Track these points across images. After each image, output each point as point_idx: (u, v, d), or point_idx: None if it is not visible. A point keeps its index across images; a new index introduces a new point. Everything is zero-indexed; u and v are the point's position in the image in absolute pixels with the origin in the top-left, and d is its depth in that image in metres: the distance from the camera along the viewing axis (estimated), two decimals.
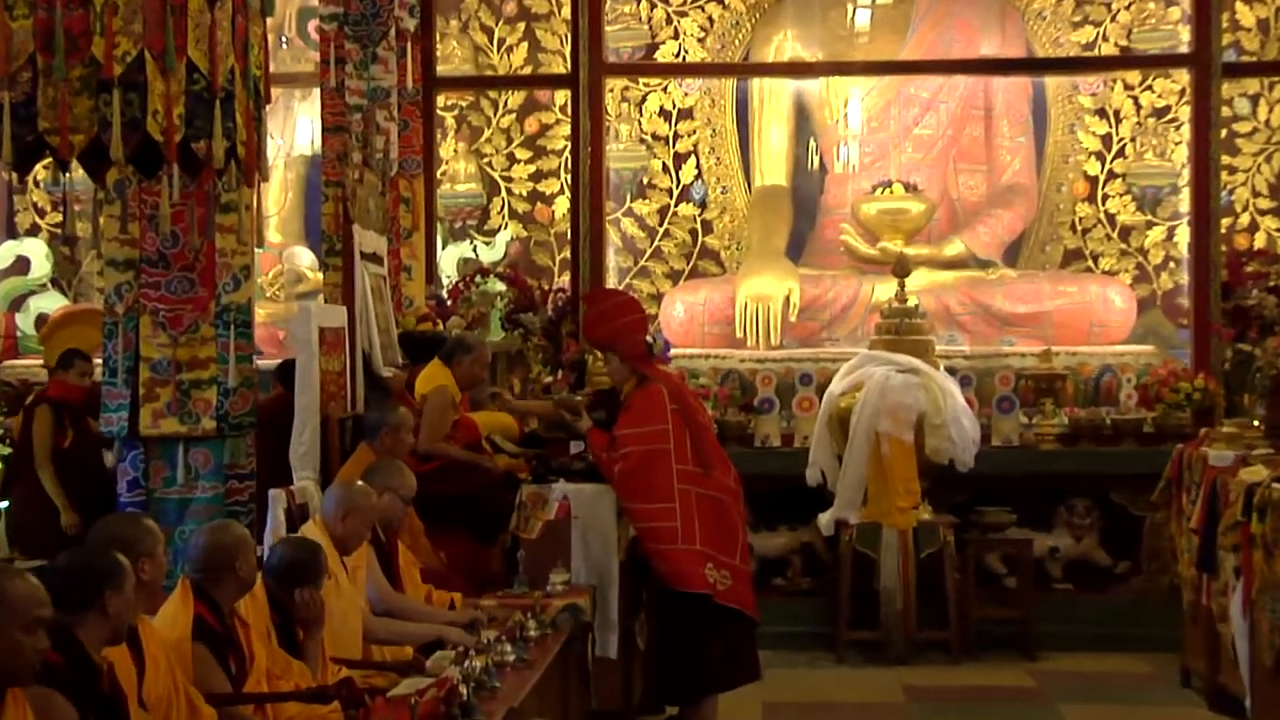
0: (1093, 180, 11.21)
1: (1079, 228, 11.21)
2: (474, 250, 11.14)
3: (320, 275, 9.23)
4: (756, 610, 7.38)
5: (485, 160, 11.35)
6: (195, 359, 6.57)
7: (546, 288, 10.61)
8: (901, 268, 10.02)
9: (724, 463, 7.42)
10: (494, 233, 11.26)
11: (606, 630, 7.22)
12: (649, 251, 11.35)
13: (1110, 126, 11.18)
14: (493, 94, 11.35)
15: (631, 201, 11.36)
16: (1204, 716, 7.97)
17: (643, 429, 7.36)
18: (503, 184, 11.32)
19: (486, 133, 11.34)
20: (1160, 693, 8.53)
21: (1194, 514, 8.10)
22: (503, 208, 11.31)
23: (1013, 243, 11.36)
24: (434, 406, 7.54)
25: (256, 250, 7.73)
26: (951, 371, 9.91)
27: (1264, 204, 10.79)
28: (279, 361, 8.50)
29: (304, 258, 11.55)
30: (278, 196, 11.76)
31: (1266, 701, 7.10)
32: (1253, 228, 10.76)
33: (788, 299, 10.85)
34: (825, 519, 9.45)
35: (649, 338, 7.63)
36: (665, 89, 11.40)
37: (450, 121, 11.34)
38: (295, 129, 11.72)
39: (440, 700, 4.58)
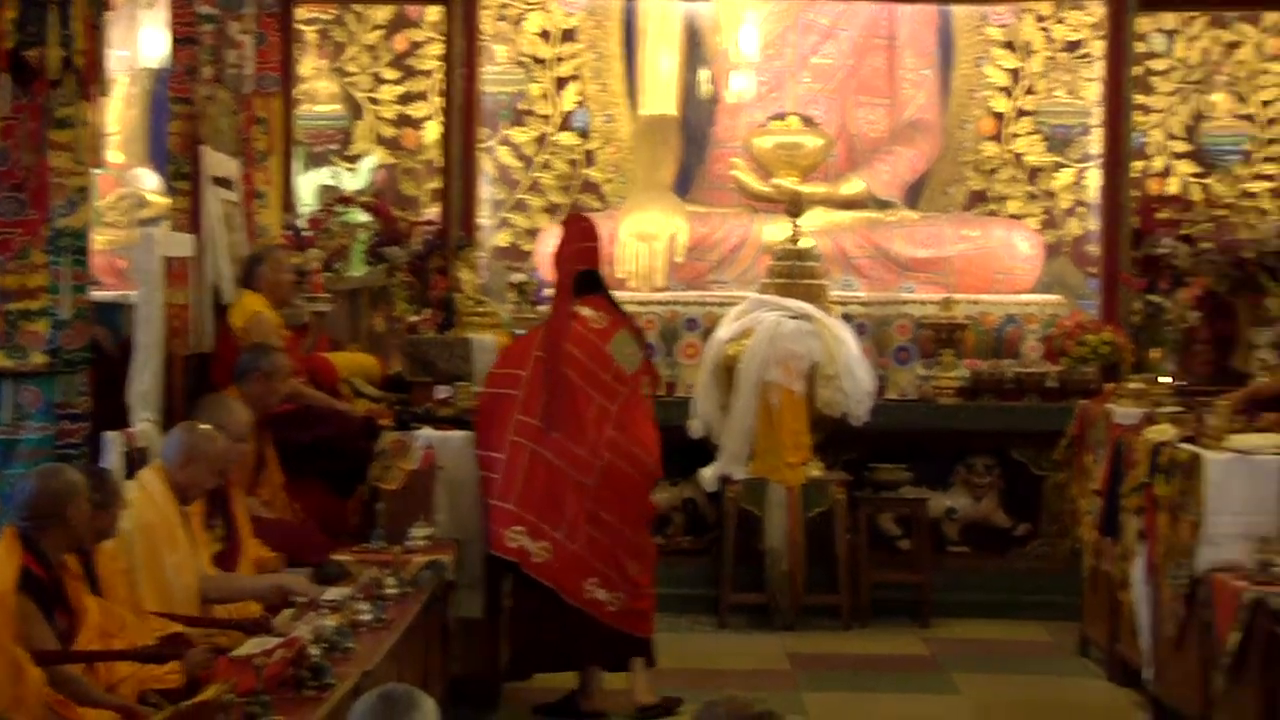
0: (1000, 118, 11.30)
1: (984, 168, 11.31)
2: (335, 177, 11.03)
3: (165, 200, 9.11)
4: (578, 596, 7.19)
5: (349, 80, 11.22)
6: (24, 288, 6.44)
7: (414, 219, 10.53)
8: (796, 207, 10.06)
9: (579, 430, 7.21)
10: (357, 159, 11.15)
11: (471, 589, 7.23)
12: (526, 183, 11.30)
13: (1020, 60, 11.28)
14: (358, 8, 11.21)
15: (508, 129, 11.30)
16: (1101, 687, 8.13)
17: (501, 370, 7.41)
18: (368, 106, 11.21)
19: (351, 50, 11.21)
20: (1057, 662, 8.69)
21: (1097, 474, 8.24)
22: (368, 132, 11.20)
23: (914, 182, 11.44)
24: (257, 339, 7.43)
25: (95, 171, 7.58)
26: (847, 319, 9.99)
27: (1179, 147, 10.93)
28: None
29: (148, 180, 11.39)
30: (120, 113, 11.56)
31: (1167, 672, 7.25)
32: (1166, 172, 10.90)
33: (674, 237, 10.86)
34: (709, 474, 9.49)
35: (587, 271, 7.49)
36: (546, 8, 11.33)
37: (311, 36, 11.19)
38: (140, 39, 11.52)
39: (289, 661, 4.57)
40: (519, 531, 7.13)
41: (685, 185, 11.40)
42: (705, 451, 9.55)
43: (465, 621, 7.20)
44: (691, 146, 11.48)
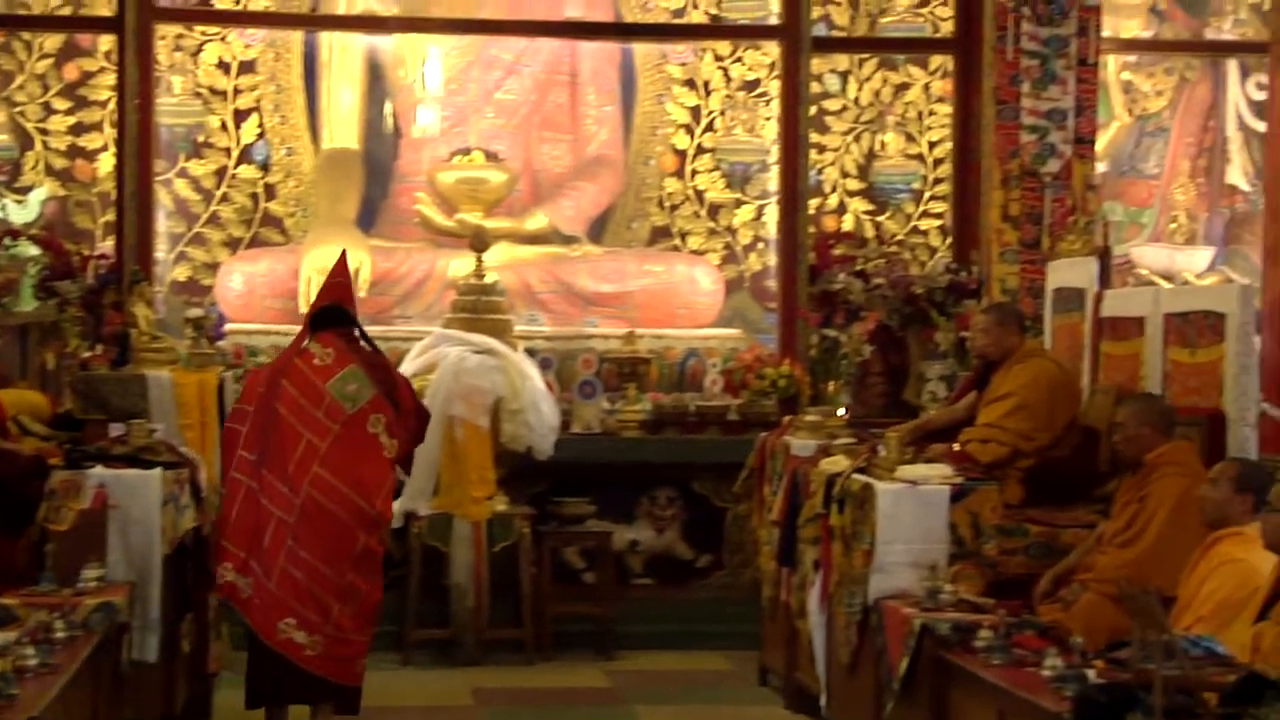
0: (681, 154, 11.50)
1: (667, 204, 11.48)
2: (3, 209, 10.74)
3: None
4: (272, 636, 6.95)
5: (17, 109, 10.92)
6: None
7: (87, 253, 10.31)
8: (480, 241, 10.11)
9: (283, 466, 7.02)
10: (27, 190, 10.87)
11: (146, 631, 7.07)
12: (205, 216, 11.12)
13: (700, 98, 11.49)
14: (26, 35, 10.93)
15: (185, 161, 11.11)
16: (780, 715, 8.31)
17: (237, 405, 7.34)
18: (38, 136, 10.92)
19: (19, 79, 10.92)
20: (738, 691, 8.86)
21: (775, 505, 8.43)
22: (38, 163, 10.92)
23: (598, 218, 11.57)
24: None
25: None
26: (531, 353, 10.06)
27: (853, 185, 11.26)
28: None
29: None
30: None
31: (841, 698, 7.45)
32: (841, 209, 11.22)
33: (357, 272, 10.80)
34: (394, 509, 9.43)
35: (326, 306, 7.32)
36: (224, 39, 11.19)
37: None
38: None
39: None
40: (228, 568, 7.03)
41: (369, 220, 11.35)
42: None
43: (140, 664, 7.04)
44: (374, 180, 11.44)
